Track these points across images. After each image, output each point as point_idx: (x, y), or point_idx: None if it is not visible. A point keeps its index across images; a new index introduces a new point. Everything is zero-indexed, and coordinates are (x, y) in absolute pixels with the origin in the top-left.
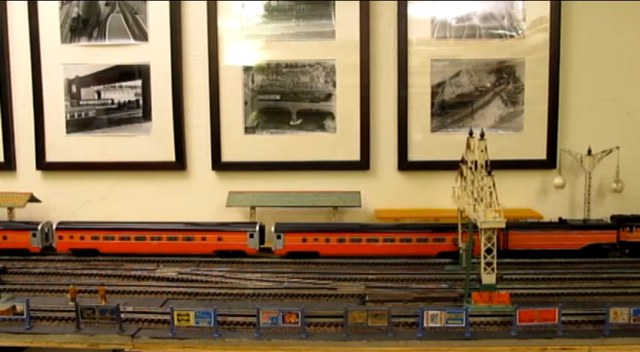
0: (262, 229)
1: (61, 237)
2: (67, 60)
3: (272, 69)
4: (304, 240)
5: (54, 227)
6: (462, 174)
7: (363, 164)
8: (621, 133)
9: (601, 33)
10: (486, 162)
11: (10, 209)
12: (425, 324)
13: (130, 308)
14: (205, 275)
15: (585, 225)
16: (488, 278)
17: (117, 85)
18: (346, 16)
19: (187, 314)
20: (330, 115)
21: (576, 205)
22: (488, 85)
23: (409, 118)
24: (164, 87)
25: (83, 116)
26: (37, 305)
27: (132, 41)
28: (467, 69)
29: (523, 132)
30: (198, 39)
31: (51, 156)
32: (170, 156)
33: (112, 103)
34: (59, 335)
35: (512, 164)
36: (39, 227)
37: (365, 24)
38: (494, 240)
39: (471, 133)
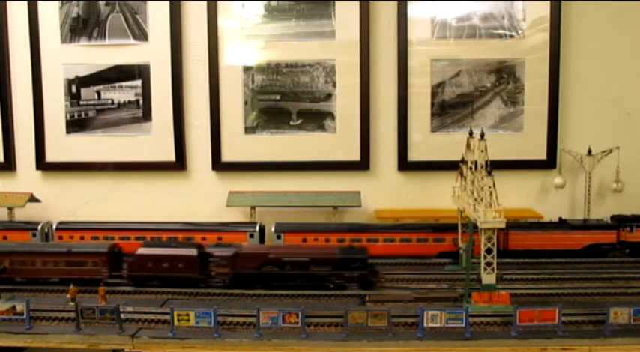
0: (262, 229)
1: (61, 237)
2: (67, 60)
3: (272, 69)
4: (304, 240)
5: (54, 227)
6: (462, 174)
7: (363, 164)
8: (621, 133)
9: (601, 33)
10: (486, 162)
11: (10, 209)
12: (425, 324)
13: (130, 308)
14: None
15: (585, 225)
16: (488, 278)
17: (117, 85)
18: (346, 16)
19: (187, 314)
20: (330, 115)
21: (576, 205)
22: (488, 85)
23: (409, 118)
24: (164, 87)
25: (83, 116)
26: (37, 305)
27: (132, 41)
28: (467, 69)
29: (523, 132)
30: (198, 39)
31: (51, 156)
32: (170, 156)
33: (112, 103)
34: (59, 335)
35: (512, 164)
36: (39, 227)
37: (365, 24)
38: (494, 240)
39: (471, 133)
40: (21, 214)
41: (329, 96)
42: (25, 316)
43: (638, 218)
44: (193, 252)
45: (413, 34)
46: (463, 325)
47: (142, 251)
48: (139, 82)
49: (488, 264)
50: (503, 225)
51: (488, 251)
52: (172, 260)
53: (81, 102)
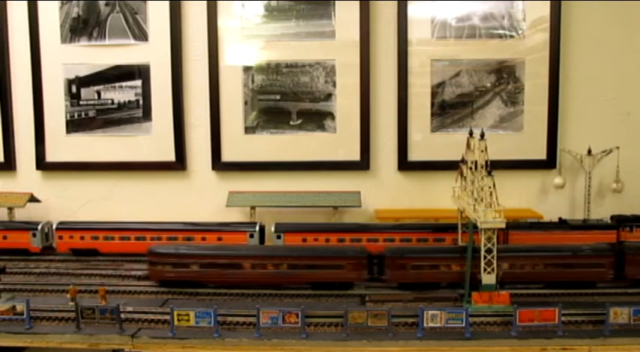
0: (262, 229)
1: (61, 237)
2: (67, 60)
3: (272, 69)
4: (304, 240)
5: (54, 227)
6: (462, 174)
7: (363, 164)
8: (621, 133)
9: (601, 33)
10: (486, 162)
11: (10, 209)
12: (425, 324)
13: (130, 308)
14: None
15: (585, 225)
16: (488, 278)
17: (117, 84)
18: (346, 16)
19: (187, 314)
20: (330, 115)
21: (576, 205)
22: (488, 85)
23: (409, 118)
24: (164, 87)
25: (83, 116)
26: (37, 305)
27: (132, 41)
28: (467, 69)
29: (523, 132)
30: (198, 39)
31: (51, 156)
32: (170, 156)
33: (112, 103)
34: (59, 335)
35: (512, 164)
36: (39, 227)
37: (365, 24)
38: (495, 240)
39: (471, 133)
40: (21, 214)
41: (329, 97)
42: (25, 316)
43: (638, 218)
44: None
45: (413, 34)
46: (463, 325)
47: None
48: (139, 82)
49: (489, 263)
50: (504, 225)
51: (489, 251)
52: None
53: (81, 102)
